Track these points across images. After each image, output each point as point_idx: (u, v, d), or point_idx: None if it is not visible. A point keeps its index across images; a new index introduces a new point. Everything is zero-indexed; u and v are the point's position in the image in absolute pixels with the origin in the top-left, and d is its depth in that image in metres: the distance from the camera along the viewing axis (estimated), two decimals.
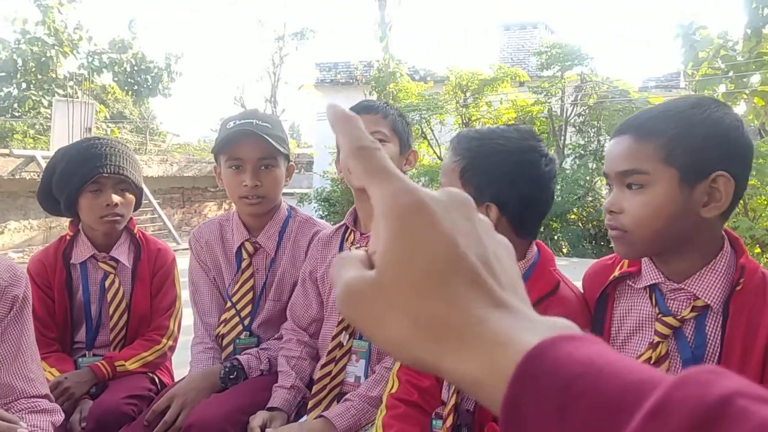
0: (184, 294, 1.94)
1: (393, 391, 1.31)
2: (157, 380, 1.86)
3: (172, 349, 1.92)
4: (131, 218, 1.93)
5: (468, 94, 12.66)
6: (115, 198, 1.80)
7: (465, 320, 0.31)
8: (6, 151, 9.80)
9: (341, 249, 1.68)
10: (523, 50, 18.03)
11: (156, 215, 10.19)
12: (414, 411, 1.27)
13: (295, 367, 1.63)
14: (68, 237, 1.89)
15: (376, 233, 0.34)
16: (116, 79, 20.63)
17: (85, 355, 1.85)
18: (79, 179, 1.76)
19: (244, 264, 1.82)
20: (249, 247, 1.82)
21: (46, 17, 17.71)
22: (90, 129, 10.65)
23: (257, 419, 1.46)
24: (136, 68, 20.57)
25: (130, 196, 1.87)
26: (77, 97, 13.95)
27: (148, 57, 20.86)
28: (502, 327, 0.31)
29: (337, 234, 1.73)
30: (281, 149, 1.73)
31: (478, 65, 13.10)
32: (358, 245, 1.64)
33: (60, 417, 1.38)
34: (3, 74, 18.14)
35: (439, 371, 0.32)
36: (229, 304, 1.81)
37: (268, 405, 1.54)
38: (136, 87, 20.96)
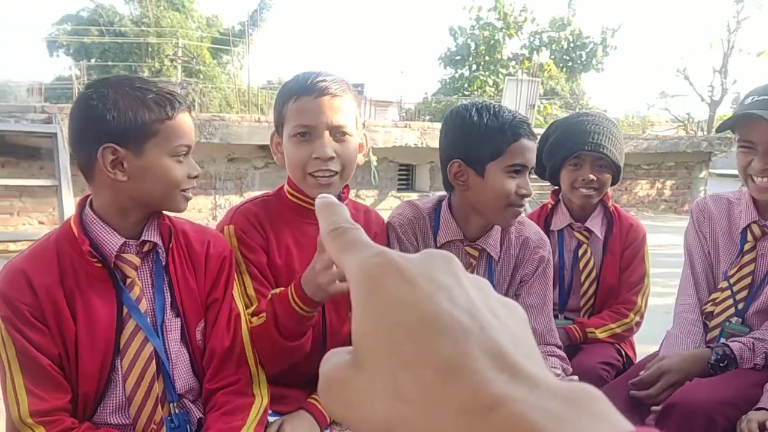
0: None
1: None
2: (623, 352, 1.90)
3: (638, 324, 1.94)
4: (606, 192, 1.99)
5: None
6: (591, 176, 1.88)
7: (471, 392, 0.24)
8: None
9: None
10: None
11: None
12: None
13: None
14: (549, 205, 2.07)
15: (352, 309, 0.29)
16: (552, 56, 21.44)
17: (557, 317, 2.01)
18: (563, 153, 1.90)
19: (747, 246, 1.70)
20: (756, 229, 1.69)
21: (497, 3, 19.51)
22: (533, 105, 11.37)
23: (753, 421, 1.36)
24: (572, 45, 21.00)
25: (607, 174, 1.91)
26: (518, 76, 15.04)
27: (584, 33, 21.06)
28: (522, 409, 0.23)
29: None
30: None
31: None
32: None
33: (569, 367, 1.58)
34: (458, 58, 20.80)
35: None
36: (725, 284, 1.73)
37: (759, 404, 1.42)
38: (570, 63, 21.43)
